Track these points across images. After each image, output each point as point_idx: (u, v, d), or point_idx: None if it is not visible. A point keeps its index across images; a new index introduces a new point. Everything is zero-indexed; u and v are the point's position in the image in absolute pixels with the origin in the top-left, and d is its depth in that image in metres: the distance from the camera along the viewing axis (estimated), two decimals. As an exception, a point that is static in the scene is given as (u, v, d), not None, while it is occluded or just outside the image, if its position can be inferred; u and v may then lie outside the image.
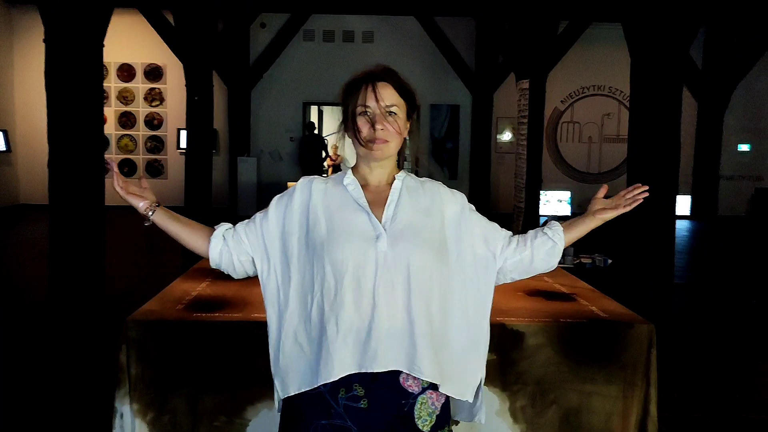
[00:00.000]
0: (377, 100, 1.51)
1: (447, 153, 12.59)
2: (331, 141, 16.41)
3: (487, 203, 11.74)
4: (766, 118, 12.54)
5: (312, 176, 1.65)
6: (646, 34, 4.78)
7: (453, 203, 1.62)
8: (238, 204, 11.67)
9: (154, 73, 12.37)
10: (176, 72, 11.23)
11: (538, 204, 8.73)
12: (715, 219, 12.19)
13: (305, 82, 12.31)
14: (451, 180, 12.37)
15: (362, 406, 1.41)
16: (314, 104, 13.13)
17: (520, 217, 8.57)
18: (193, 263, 3.21)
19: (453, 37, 12.06)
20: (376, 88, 1.51)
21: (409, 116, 1.58)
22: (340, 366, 1.41)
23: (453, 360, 1.50)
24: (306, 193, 1.59)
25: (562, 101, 12.52)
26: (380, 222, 1.51)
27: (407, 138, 1.60)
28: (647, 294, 4.66)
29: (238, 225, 1.66)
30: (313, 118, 13.77)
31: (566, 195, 12.29)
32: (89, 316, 4.89)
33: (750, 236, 10.07)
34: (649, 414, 2.30)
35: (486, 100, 11.98)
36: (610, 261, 6.82)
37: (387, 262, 1.46)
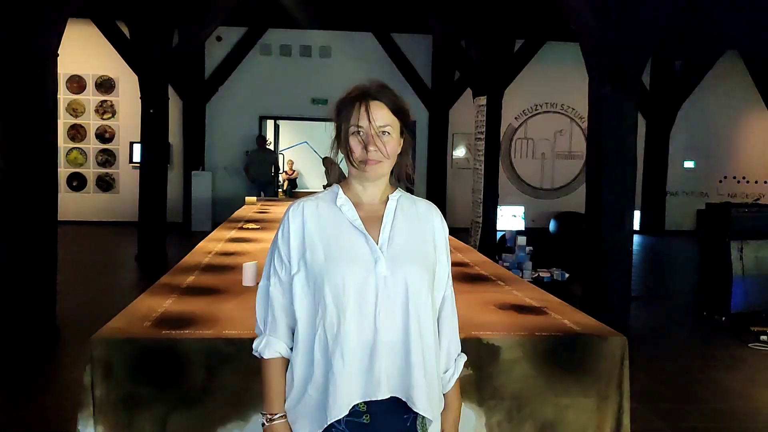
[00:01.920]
0: (370, 121, 1.48)
1: (404, 168, 12.64)
2: (287, 155, 16.32)
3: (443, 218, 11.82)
4: (709, 137, 13.02)
5: (301, 200, 1.60)
6: (604, 55, 4.90)
7: (442, 235, 1.61)
8: (192, 219, 11.46)
9: (105, 85, 12.10)
10: (129, 84, 11.01)
11: (496, 219, 8.83)
12: (662, 234, 12.55)
13: (261, 96, 12.23)
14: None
15: (365, 421, 1.40)
16: (270, 118, 13.05)
17: (477, 232, 8.64)
18: (154, 280, 3.12)
19: (410, 54, 12.16)
20: (369, 109, 1.48)
21: (402, 134, 1.56)
22: (348, 398, 1.40)
23: (433, 385, 1.51)
24: (299, 221, 1.54)
25: (516, 118, 12.74)
26: (377, 244, 1.49)
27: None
28: (608, 306, 4.74)
29: (276, 325, 1.55)
30: (269, 132, 13.66)
31: (520, 210, 12.49)
32: (40, 336, 4.70)
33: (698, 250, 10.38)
34: (622, 425, 2.33)
35: (442, 117, 12.11)
36: (567, 275, 6.96)
37: (387, 287, 1.45)
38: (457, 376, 1.61)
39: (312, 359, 1.45)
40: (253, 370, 2.16)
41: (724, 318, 5.94)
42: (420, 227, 1.57)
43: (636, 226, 12.46)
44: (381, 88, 1.53)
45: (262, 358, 1.54)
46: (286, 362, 1.54)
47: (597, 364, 2.33)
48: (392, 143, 1.50)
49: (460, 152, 12.80)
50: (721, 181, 13.05)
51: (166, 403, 2.18)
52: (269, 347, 1.53)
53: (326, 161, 12.18)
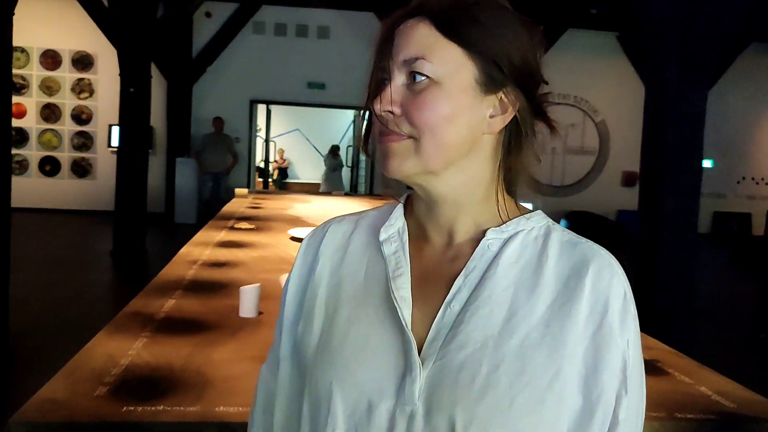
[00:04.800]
0: (391, 53, 0.73)
1: (404, 160, 11.86)
2: (279, 143, 15.50)
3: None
4: (728, 135, 12.36)
5: (335, 218, 0.86)
6: (669, 33, 4.16)
7: (622, 338, 0.72)
8: (176, 209, 10.61)
9: (83, 61, 11.18)
10: (109, 62, 10.15)
11: (509, 218, 8.10)
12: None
13: (253, 78, 11.36)
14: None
15: None
16: (262, 102, 12.19)
17: (490, 233, 7.92)
18: (130, 281, 2.34)
19: (414, 37, 11.39)
20: (396, 34, 0.74)
21: (489, 87, 0.73)
22: None
23: None
24: (309, 257, 0.85)
25: (524, 109, 12.02)
26: (424, 340, 0.74)
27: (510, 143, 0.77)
28: (671, 323, 4.03)
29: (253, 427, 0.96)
30: (261, 117, 12.81)
31: (528, 207, 11.77)
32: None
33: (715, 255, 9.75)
34: None
35: (446, 105, 11.35)
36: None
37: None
38: None
39: None
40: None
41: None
42: (558, 313, 0.72)
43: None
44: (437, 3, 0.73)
45: None
46: None
47: (771, 463, 1.58)
48: (435, 99, 0.71)
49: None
50: (739, 182, 12.39)
51: None
52: None
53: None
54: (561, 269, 0.74)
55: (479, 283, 0.73)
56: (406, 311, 0.74)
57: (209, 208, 9.58)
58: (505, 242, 0.75)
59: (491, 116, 0.73)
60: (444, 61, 0.71)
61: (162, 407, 1.49)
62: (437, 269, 0.76)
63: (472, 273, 0.74)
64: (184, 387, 1.61)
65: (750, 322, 5.61)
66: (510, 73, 0.72)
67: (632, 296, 0.75)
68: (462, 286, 0.73)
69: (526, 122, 0.74)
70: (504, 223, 0.76)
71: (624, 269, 0.75)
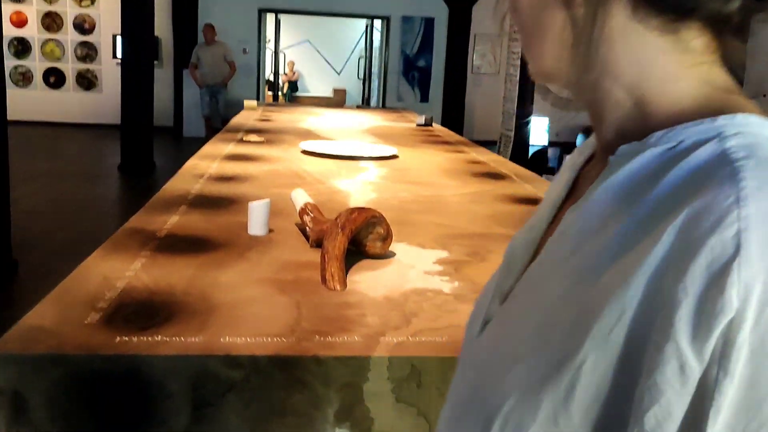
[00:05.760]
0: None
1: (419, 72, 11.45)
2: (288, 55, 15.02)
3: (460, 130, 10.79)
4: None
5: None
6: None
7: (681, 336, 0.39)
8: (184, 123, 10.37)
9: (82, -34, 10.69)
10: (109, -34, 9.66)
11: (528, 132, 7.85)
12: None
13: (262, -16, 10.88)
14: (422, 102, 11.28)
15: None
16: (271, 11, 11.70)
17: (508, 146, 7.68)
18: (138, 196, 2.17)
19: (430, -61, 10.76)
20: None
21: None
22: None
23: None
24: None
25: (544, 18, 11.49)
26: (518, 275, 0.65)
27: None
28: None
29: None
30: (270, 27, 12.32)
31: (545, 122, 11.42)
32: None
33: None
34: None
35: (464, 14, 10.82)
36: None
37: (459, 388, 0.62)
38: None
39: None
40: (273, 411, 1.27)
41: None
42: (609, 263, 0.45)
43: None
44: None
45: None
46: None
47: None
48: None
49: (483, 55, 11.59)
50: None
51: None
52: None
53: None
54: (665, 204, 0.45)
55: (586, 219, 0.52)
56: (520, 234, 0.68)
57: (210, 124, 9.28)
58: (634, 162, 0.49)
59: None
60: None
61: (160, 338, 1.32)
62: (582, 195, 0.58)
63: (584, 204, 0.54)
64: (186, 314, 1.44)
65: None
66: None
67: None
68: (569, 223, 0.56)
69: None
70: (630, 142, 0.51)
71: None
